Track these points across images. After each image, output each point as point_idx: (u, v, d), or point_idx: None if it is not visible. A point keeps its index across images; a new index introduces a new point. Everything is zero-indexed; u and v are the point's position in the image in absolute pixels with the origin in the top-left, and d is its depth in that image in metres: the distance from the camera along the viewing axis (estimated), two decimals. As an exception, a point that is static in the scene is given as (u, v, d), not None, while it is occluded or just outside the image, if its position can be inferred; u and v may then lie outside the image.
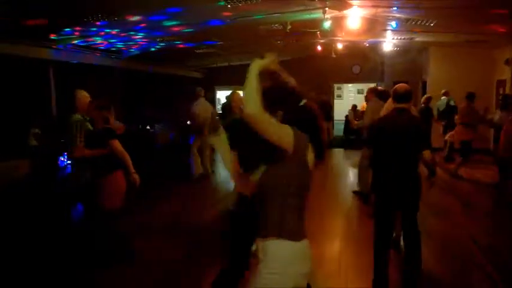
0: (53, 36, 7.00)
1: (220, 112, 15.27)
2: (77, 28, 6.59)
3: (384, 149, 3.53)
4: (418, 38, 9.64)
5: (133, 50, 9.34)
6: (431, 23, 7.29)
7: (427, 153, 3.40)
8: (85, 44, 7.99)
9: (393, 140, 3.46)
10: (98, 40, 7.81)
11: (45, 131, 6.76)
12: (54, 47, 7.49)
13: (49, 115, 7.50)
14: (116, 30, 6.96)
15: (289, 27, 7.29)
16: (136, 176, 4.03)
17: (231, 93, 6.32)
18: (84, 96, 4.53)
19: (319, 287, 3.48)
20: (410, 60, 12.31)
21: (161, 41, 8.39)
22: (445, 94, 9.89)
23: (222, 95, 16.11)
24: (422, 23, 7.38)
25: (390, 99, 6.47)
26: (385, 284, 3.50)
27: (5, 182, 5.76)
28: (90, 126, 4.35)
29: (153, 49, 9.35)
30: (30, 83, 7.52)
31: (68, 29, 6.61)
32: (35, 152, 6.45)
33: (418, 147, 3.42)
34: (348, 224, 5.59)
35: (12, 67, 6.96)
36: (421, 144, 3.43)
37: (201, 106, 8.04)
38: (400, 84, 3.79)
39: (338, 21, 7.12)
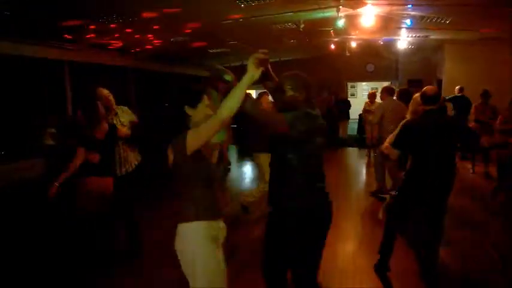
0: (68, 37, 7.10)
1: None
2: (92, 28, 6.67)
3: (418, 151, 3.61)
4: (433, 36, 9.53)
5: (148, 50, 9.40)
6: (446, 20, 7.20)
7: None
8: (100, 43, 8.07)
9: (428, 141, 3.53)
10: (113, 40, 7.88)
11: (61, 130, 6.84)
12: (69, 47, 7.60)
13: (64, 114, 7.59)
14: (130, 30, 7.01)
15: (302, 26, 7.27)
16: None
17: (260, 94, 6.40)
18: (106, 93, 4.47)
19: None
20: (425, 58, 12.17)
21: (175, 41, 8.43)
22: (460, 90, 9.72)
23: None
24: (437, 21, 7.29)
25: (391, 97, 6.53)
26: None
27: (20, 181, 5.84)
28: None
29: (166, 49, 9.40)
30: (46, 82, 7.63)
31: (84, 29, 6.70)
32: (51, 151, 6.53)
33: (454, 146, 3.60)
34: (362, 224, 5.56)
35: (28, 67, 7.07)
36: (461, 141, 3.66)
37: None
38: (429, 86, 3.83)
39: (352, 20, 7.07)
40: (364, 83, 18.12)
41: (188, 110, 2.39)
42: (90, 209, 3.93)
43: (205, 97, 2.43)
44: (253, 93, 15.12)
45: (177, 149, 2.25)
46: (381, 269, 3.85)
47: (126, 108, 4.72)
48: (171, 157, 2.30)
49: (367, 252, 4.44)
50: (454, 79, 10.78)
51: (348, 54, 11.48)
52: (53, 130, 6.67)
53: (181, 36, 7.92)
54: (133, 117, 4.68)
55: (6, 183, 5.69)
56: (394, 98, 6.61)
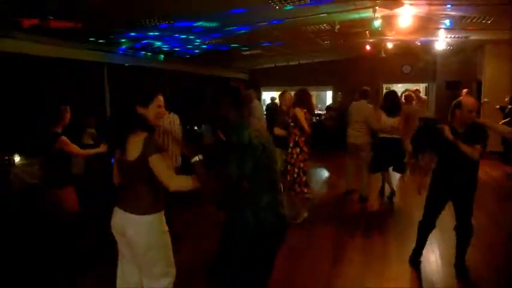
0: (108, 40, 7.32)
1: (265, 113, 15.36)
2: (131, 32, 6.85)
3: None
4: (473, 36, 9.22)
5: (183, 53, 9.55)
6: (487, 20, 6.95)
7: None
8: (137, 47, 8.28)
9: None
10: (151, 43, 8.06)
11: (100, 130, 7.05)
12: (109, 50, 7.84)
13: (103, 115, 7.83)
14: (168, 33, 7.15)
15: (337, 27, 7.20)
16: None
17: (282, 93, 6.36)
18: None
19: None
20: (464, 59, 11.79)
21: (209, 43, 8.53)
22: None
23: (267, 96, 16.18)
24: (478, 21, 7.05)
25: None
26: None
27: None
28: None
29: (201, 51, 9.53)
30: (86, 84, 7.89)
31: (123, 32, 6.89)
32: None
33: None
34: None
35: (69, 69, 7.33)
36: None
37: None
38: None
39: (388, 20, 6.95)
40: (400, 85, 17.75)
41: (139, 109, 2.57)
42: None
43: (158, 98, 2.65)
44: (275, 94, 15.12)
45: (146, 151, 2.45)
46: (415, 258, 4.19)
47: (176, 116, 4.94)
48: (133, 152, 2.47)
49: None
50: (495, 81, 10.40)
51: (383, 55, 11.28)
52: (93, 131, 6.90)
53: (215, 39, 8.02)
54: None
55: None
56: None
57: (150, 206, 2.53)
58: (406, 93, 7.57)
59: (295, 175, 5.25)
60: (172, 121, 4.88)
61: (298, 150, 5.26)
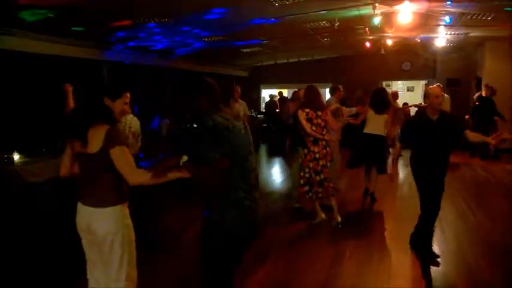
0: (107, 38, 7.31)
1: (264, 110, 15.36)
2: (130, 30, 6.83)
3: None
4: (474, 33, 9.20)
5: (182, 50, 9.54)
6: (488, 16, 6.93)
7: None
8: (137, 45, 8.26)
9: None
10: (149, 41, 8.04)
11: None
12: (108, 48, 7.83)
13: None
14: (166, 31, 7.13)
15: (337, 24, 7.18)
16: None
17: (294, 93, 6.39)
18: None
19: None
20: (464, 56, 11.77)
21: (209, 41, 8.52)
22: None
23: (266, 94, 16.17)
24: (478, 17, 7.03)
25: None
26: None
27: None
28: None
29: (200, 49, 9.51)
30: (86, 83, 7.87)
31: (123, 31, 6.87)
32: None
33: None
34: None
35: (68, 67, 7.31)
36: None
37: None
38: None
39: (388, 17, 6.94)
40: (399, 82, 17.73)
41: (107, 101, 2.58)
42: None
43: (126, 94, 2.66)
44: (285, 93, 15.12)
45: (108, 143, 2.44)
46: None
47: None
48: (94, 144, 2.46)
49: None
50: (495, 77, 10.38)
51: (383, 52, 11.26)
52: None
53: (215, 36, 8.00)
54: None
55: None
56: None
57: (113, 198, 2.52)
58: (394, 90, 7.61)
59: (307, 175, 5.20)
60: (129, 123, 4.55)
61: (306, 150, 5.22)
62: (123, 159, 2.44)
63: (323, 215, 5.37)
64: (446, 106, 10.35)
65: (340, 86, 6.93)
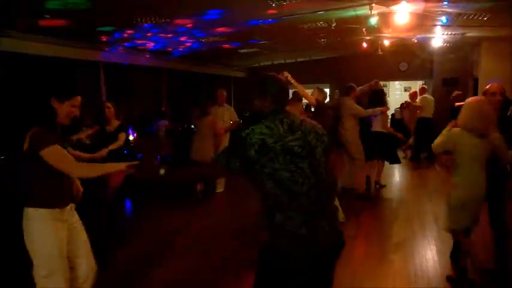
0: (103, 39, 7.29)
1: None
2: (127, 31, 6.82)
3: None
4: (470, 33, 9.22)
5: (179, 51, 9.52)
6: (484, 17, 6.95)
7: None
8: (134, 45, 8.25)
9: None
10: (146, 42, 8.03)
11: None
12: (106, 49, 7.81)
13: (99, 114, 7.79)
14: (163, 31, 7.12)
15: (334, 24, 7.18)
16: None
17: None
18: None
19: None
20: (461, 56, 11.80)
21: (206, 42, 8.50)
22: None
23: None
24: (475, 17, 7.05)
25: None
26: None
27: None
28: None
29: (198, 50, 9.50)
30: (83, 83, 7.85)
31: (118, 32, 6.86)
32: (85, 149, 6.74)
33: None
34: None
35: (65, 68, 7.30)
36: None
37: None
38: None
39: (385, 17, 6.94)
40: (396, 82, 17.77)
41: (54, 103, 2.58)
42: None
43: (76, 98, 2.65)
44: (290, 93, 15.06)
45: (33, 146, 2.46)
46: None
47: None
48: (25, 146, 2.51)
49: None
50: (491, 77, 10.38)
51: (380, 52, 11.26)
52: (89, 131, 6.95)
53: (212, 37, 7.99)
54: None
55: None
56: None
57: (37, 200, 2.57)
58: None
59: None
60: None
61: None
62: (56, 157, 2.48)
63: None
64: (430, 108, 10.42)
65: (354, 85, 7.04)
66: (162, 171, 2.36)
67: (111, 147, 4.65)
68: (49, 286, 2.56)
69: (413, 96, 11.12)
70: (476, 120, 3.41)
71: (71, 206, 2.77)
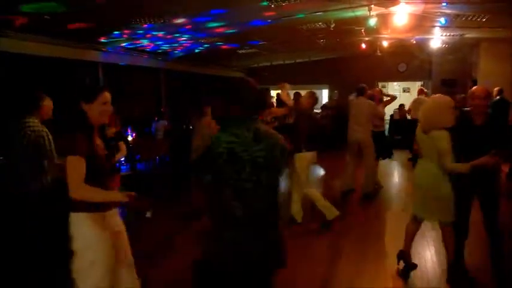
0: (102, 39, 7.29)
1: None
2: (125, 31, 6.82)
3: None
4: (469, 34, 9.25)
5: (178, 52, 9.54)
6: (482, 18, 6.97)
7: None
8: (132, 46, 8.26)
9: None
10: (145, 42, 8.03)
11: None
12: (103, 49, 7.81)
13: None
14: (162, 32, 7.13)
15: (332, 25, 7.20)
16: None
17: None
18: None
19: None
20: (459, 57, 11.83)
21: (205, 43, 8.52)
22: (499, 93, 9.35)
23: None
24: (473, 19, 7.07)
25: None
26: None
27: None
28: None
29: (197, 50, 9.51)
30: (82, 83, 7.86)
31: (117, 32, 6.86)
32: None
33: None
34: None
35: (64, 69, 7.30)
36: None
37: None
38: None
39: (384, 18, 6.96)
40: (395, 83, 17.79)
41: (83, 106, 2.47)
42: None
43: (104, 94, 2.51)
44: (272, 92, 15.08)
45: (63, 150, 2.43)
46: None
47: None
48: None
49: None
50: (490, 79, 10.42)
51: (379, 53, 11.29)
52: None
53: (211, 38, 8.00)
54: None
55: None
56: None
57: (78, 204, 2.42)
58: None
59: None
60: None
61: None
62: (68, 170, 2.34)
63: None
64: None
65: (366, 86, 6.88)
66: (148, 214, 2.42)
67: (117, 157, 4.53)
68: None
69: (420, 94, 10.96)
70: (421, 116, 3.63)
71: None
